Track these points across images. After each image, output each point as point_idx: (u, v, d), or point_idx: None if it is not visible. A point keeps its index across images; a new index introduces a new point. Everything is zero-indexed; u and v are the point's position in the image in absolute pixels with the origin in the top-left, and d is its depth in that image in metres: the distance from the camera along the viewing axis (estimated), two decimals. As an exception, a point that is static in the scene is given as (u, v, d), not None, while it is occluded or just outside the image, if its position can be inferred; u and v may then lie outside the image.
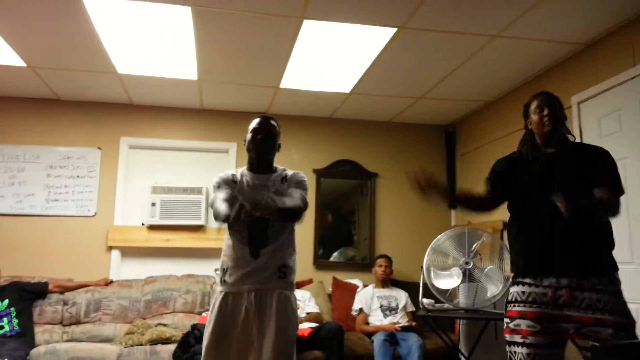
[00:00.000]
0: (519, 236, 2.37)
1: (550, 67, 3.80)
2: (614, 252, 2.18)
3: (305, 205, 2.40)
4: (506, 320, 2.31)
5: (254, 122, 2.52)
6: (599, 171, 2.22)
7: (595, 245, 2.17)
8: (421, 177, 2.27)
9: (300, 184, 2.49)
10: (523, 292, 2.26)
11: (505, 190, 2.45)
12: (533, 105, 2.36)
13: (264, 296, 2.34)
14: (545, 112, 2.30)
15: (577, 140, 2.44)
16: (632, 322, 2.12)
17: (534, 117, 2.34)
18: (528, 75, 4.00)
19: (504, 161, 2.53)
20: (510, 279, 2.41)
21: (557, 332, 2.19)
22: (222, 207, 2.25)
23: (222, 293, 2.39)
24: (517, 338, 2.25)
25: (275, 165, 2.55)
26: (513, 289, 2.32)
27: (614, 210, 2.17)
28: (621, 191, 2.22)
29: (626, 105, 3.09)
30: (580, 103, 3.43)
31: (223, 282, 2.40)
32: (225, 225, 2.40)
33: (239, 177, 2.51)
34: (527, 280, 2.27)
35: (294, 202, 2.35)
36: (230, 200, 2.37)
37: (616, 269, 2.17)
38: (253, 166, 2.52)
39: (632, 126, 3.04)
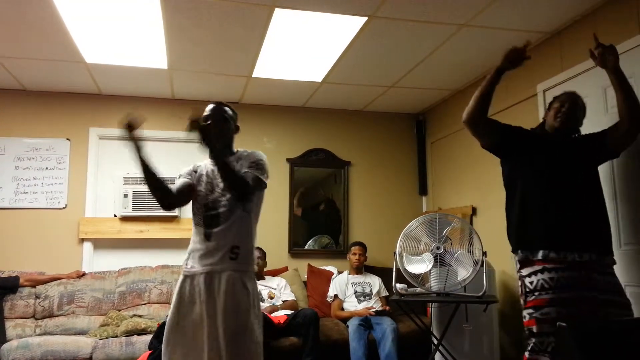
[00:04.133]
0: (532, 210, 2.40)
1: (517, 56, 3.88)
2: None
3: (255, 183, 2.40)
4: (528, 311, 2.26)
5: (205, 110, 2.53)
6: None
7: (606, 226, 2.36)
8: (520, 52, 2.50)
9: (255, 165, 2.44)
10: (551, 278, 2.24)
11: (501, 141, 2.56)
12: (555, 104, 2.58)
13: (213, 278, 2.33)
14: (564, 108, 2.52)
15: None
16: (630, 302, 2.25)
17: (550, 113, 2.58)
18: (496, 64, 4.07)
19: (523, 129, 2.63)
20: (519, 262, 2.38)
21: (583, 312, 2.22)
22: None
23: (182, 276, 2.44)
24: (547, 327, 2.19)
25: (237, 148, 2.58)
26: (535, 278, 2.27)
27: None
28: None
29: (590, 92, 3.17)
30: (545, 91, 3.52)
31: (185, 265, 2.46)
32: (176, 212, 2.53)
33: (202, 167, 2.58)
34: (550, 264, 2.25)
35: (240, 173, 2.38)
36: (185, 189, 2.52)
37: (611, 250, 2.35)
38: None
39: (595, 113, 3.13)
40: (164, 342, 2.39)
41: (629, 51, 2.89)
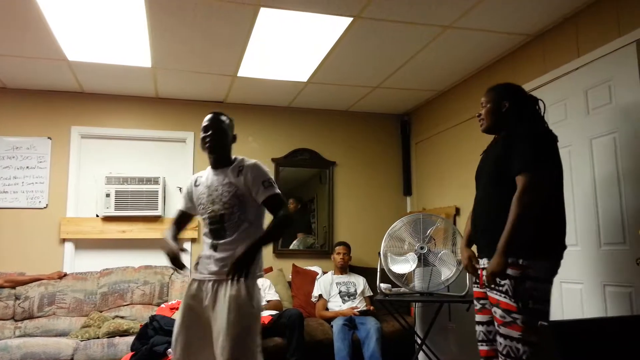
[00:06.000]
0: None
1: (500, 58, 3.92)
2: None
3: (284, 206, 2.48)
4: None
5: (204, 121, 2.61)
6: (512, 154, 2.24)
7: (500, 229, 2.20)
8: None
9: (268, 183, 2.49)
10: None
11: None
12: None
13: (220, 286, 2.44)
14: (478, 115, 2.51)
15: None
16: (522, 308, 2.15)
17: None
18: (479, 65, 4.12)
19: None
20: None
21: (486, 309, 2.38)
22: (167, 235, 2.63)
23: (190, 279, 2.57)
24: (479, 318, 2.44)
25: (234, 156, 2.64)
26: None
27: (532, 205, 2.18)
28: (530, 166, 2.19)
29: (571, 94, 3.23)
30: (528, 92, 3.55)
31: (195, 269, 2.59)
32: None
33: (202, 178, 2.65)
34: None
35: (276, 223, 2.46)
36: (182, 220, 2.74)
37: (531, 254, 2.19)
38: (211, 163, 2.64)
39: (576, 114, 3.18)
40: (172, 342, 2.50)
41: (608, 54, 2.94)
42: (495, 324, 2.23)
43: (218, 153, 2.59)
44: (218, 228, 2.49)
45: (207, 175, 2.64)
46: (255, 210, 2.53)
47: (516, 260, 2.18)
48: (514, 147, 2.24)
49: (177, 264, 2.49)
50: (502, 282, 2.19)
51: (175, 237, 2.65)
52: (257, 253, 2.42)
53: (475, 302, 2.44)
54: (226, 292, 2.40)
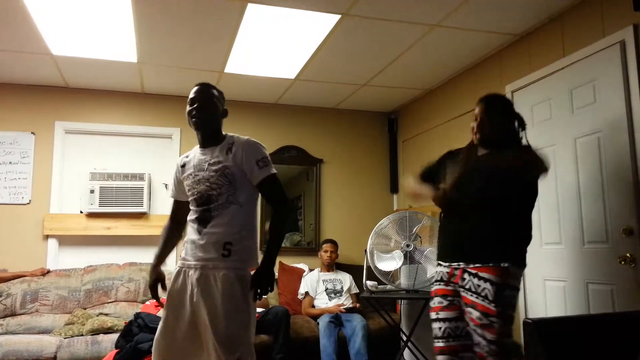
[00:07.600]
0: (440, 224, 2.64)
1: (486, 57, 3.95)
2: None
3: (280, 189, 2.34)
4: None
5: (190, 93, 2.39)
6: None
7: (488, 237, 2.34)
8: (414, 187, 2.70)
9: (262, 162, 2.30)
10: (437, 272, 2.55)
11: (433, 177, 2.70)
12: (475, 111, 2.52)
13: (208, 277, 2.22)
14: (473, 124, 2.51)
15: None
16: (500, 312, 2.24)
17: (471, 124, 2.53)
18: (466, 64, 4.14)
19: (447, 154, 2.73)
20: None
21: (461, 306, 2.41)
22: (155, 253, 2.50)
23: (177, 269, 2.36)
24: (433, 315, 2.48)
25: (225, 133, 2.43)
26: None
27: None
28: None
29: (556, 94, 3.26)
30: (514, 92, 3.59)
31: (181, 255, 2.40)
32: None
33: (188, 159, 2.43)
34: (439, 262, 2.56)
35: (274, 235, 2.38)
36: (178, 210, 2.50)
37: (509, 260, 2.30)
38: (199, 140, 2.41)
39: (560, 114, 3.22)
40: (154, 343, 2.32)
41: (593, 55, 2.98)
42: (471, 323, 2.31)
43: (206, 129, 2.35)
44: (204, 210, 2.27)
45: (193, 154, 2.41)
46: (248, 191, 2.31)
47: (504, 266, 2.29)
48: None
49: (153, 293, 2.46)
50: (483, 286, 2.28)
51: (162, 255, 2.51)
52: (273, 264, 2.35)
53: (441, 299, 2.45)
54: (217, 285, 2.20)
